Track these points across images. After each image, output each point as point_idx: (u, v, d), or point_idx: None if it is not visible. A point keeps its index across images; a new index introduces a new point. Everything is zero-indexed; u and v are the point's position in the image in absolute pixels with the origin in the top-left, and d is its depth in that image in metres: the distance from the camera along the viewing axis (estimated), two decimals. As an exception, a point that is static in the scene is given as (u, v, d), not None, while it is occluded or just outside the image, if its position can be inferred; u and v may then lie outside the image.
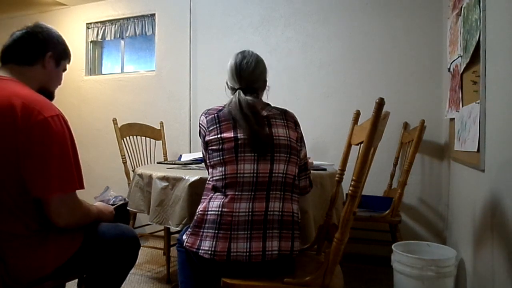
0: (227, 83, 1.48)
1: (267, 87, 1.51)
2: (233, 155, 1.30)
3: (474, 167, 1.61)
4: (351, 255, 2.72)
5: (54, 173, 1.10)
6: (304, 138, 1.49)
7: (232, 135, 1.32)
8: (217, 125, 1.36)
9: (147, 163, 3.08)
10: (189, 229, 1.34)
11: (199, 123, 1.44)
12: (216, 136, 1.34)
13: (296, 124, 1.43)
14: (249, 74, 1.41)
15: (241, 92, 1.37)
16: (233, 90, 1.43)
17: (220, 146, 1.32)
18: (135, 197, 1.95)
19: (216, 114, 1.38)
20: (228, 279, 1.24)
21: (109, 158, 3.62)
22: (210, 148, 1.36)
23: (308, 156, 1.55)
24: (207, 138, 1.38)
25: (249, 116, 1.31)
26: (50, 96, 1.30)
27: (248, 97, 1.36)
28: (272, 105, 1.45)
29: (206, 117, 1.41)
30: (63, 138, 1.13)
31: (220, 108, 1.41)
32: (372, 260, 2.70)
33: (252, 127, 1.30)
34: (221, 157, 1.32)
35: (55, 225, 1.15)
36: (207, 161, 1.40)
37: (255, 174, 1.29)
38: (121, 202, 1.51)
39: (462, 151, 1.81)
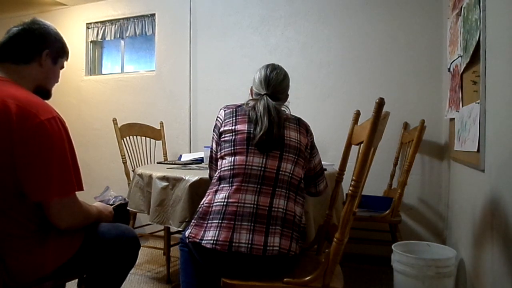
0: (251, 91, 1.56)
1: (287, 101, 1.58)
2: (244, 146, 1.36)
3: (474, 167, 1.61)
4: (351, 255, 2.72)
5: (52, 177, 1.09)
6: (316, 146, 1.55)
7: (246, 129, 1.39)
8: (233, 118, 1.44)
9: (147, 163, 3.07)
10: (193, 221, 1.35)
11: (217, 117, 1.51)
12: (230, 128, 1.41)
13: (307, 132, 1.49)
14: (277, 84, 1.50)
15: (268, 98, 1.43)
16: (258, 95, 1.49)
17: (233, 137, 1.39)
18: (135, 197, 1.95)
19: (234, 109, 1.47)
20: (228, 279, 1.24)
21: (109, 158, 3.62)
22: (223, 139, 1.42)
23: None
24: (221, 129, 1.45)
25: (275, 119, 1.37)
26: (47, 95, 1.29)
27: (275, 102, 1.43)
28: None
29: (224, 111, 1.49)
30: (60, 141, 1.11)
31: (240, 104, 1.49)
32: (372, 260, 2.70)
33: (272, 128, 1.36)
34: (232, 148, 1.37)
35: (55, 226, 1.15)
36: (218, 153, 1.44)
37: (262, 168, 1.33)
38: (120, 202, 1.51)
39: (462, 151, 1.81)
